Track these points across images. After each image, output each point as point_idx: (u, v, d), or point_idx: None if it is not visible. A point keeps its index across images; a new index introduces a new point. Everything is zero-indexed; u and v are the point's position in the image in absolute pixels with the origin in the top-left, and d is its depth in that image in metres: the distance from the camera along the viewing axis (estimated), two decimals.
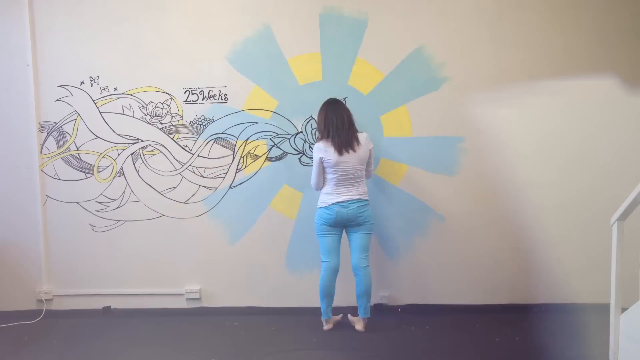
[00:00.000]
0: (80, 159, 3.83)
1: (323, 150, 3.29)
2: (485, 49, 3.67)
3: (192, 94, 3.77)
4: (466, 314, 3.71)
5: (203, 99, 3.77)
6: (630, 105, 3.66)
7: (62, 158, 3.84)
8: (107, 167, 3.82)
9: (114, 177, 3.83)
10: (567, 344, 3.17)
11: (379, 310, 3.77)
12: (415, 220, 3.77)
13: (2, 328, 3.61)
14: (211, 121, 3.77)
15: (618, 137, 3.68)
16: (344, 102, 3.52)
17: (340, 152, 3.25)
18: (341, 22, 3.69)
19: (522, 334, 3.33)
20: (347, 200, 3.30)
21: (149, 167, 3.81)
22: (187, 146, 3.79)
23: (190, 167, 3.80)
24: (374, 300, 3.78)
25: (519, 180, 3.72)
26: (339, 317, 3.54)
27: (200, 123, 3.78)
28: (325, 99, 3.41)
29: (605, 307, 2.84)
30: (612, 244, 2.77)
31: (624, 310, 2.69)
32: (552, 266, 3.75)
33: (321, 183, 3.38)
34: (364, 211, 3.33)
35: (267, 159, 3.79)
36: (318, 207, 3.39)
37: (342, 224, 3.35)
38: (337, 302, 3.46)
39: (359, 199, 3.31)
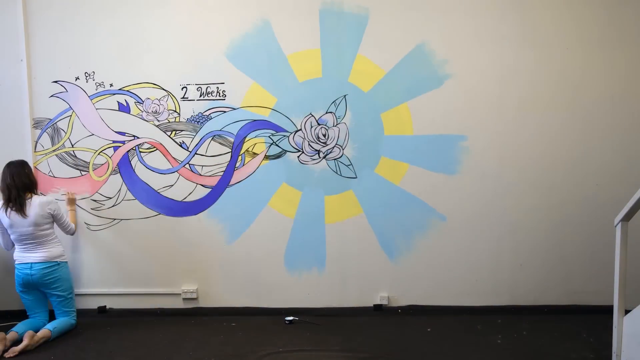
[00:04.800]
0: (75, 156, 3.77)
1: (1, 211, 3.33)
2: (488, 46, 3.63)
3: (190, 90, 3.71)
4: (467, 316, 3.68)
5: (201, 96, 3.71)
6: (635, 104, 3.63)
7: (56, 155, 3.77)
8: (102, 164, 3.76)
9: (109, 175, 3.77)
10: (569, 345, 3.14)
11: (379, 311, 3.73)
12: (416, 220, 3.72)
13: None
14: (209, 118, 3.71)
15: (622, 137, 3.65)
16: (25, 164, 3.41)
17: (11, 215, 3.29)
18: (341, 17, 3.63)
19: (524, 336, 3.30)
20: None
21: (145, 164, 3.75)
22: (184, 143, 3.73)
23: (187, 165, 3.74)
24: (374, 301, 3.75)
25: (522, 179, 3.68)
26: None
27: (197, 120, 3.72)
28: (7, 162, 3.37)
29: (609, 309, 2.82)
30: (616, 244, 2.74)
31: (627, 312, 2.67)
32: (555, 267, 3.72)
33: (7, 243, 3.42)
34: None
35: (266, 157, 3.73)
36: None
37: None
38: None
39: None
